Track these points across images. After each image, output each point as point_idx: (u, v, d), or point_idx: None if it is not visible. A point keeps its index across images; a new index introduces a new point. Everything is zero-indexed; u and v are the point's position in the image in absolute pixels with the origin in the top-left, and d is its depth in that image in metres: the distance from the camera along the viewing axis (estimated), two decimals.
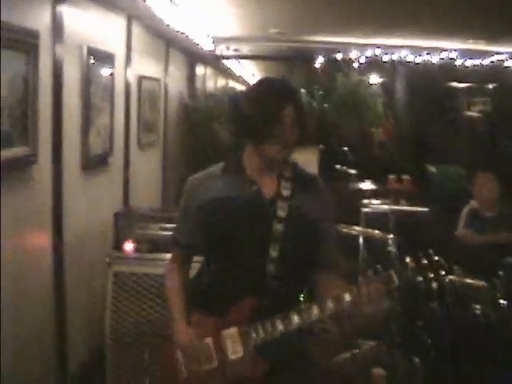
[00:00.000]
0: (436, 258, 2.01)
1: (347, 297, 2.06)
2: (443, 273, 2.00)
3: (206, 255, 2.46)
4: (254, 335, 2.18)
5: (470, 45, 7.85)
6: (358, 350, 4.92)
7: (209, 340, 2.25)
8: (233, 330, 2.21)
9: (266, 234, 2.24)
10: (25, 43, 3.17)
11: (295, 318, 2.12)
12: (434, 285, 2.00)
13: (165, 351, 2.47)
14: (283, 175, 2.33)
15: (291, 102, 2.21)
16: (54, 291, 3.80)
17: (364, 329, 2.08)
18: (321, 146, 10.05)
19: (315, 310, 2.11)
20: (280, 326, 2.14)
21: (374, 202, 6.79)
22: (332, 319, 3.08)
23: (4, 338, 3.10)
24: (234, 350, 2.20)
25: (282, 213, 2.25)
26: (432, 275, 2.00)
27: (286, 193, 2.30)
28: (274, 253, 2.22)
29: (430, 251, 2.02)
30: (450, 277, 4.21)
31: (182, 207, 2.48)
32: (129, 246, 4.18)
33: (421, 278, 2.01)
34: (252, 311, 2.20)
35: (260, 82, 2.38)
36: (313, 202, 2.32)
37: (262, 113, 2.19)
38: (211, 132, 7.51)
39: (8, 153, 3.03)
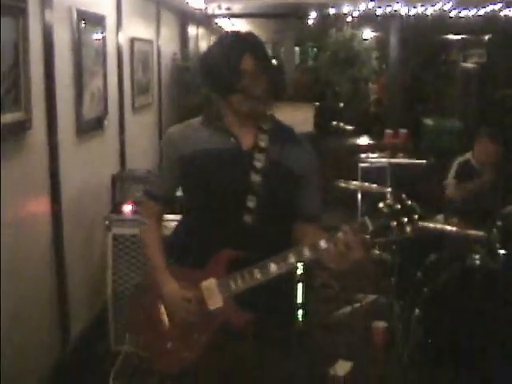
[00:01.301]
0: (409, 202, 2.01)
1: (323, 244, 2.06)
2: (416, 217, 2.00)
3: (184, 207, 2.46)
4: (232, 285, 2.20)
5: None
6: (358, 304, 4.99)
7: (190, 292, 2.27)
8: (211, 281, 2.22)
9: (243, 185, 2.24)
10: (13, 8, 3.12)
11: (272, 267, 2.12)
12: (408, 229, 2.00)
13: (145, 304, 2.47)
14: (261, 127, 2.33)
15: (249, 52, 2.19)
16: (53, 256, 3.81)
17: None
18: (316, 103, 10.03)
19: (292, 258, 2.12)
20: (258, 275, 2.14)
21: (372, 156, 6.81)
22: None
23: (5, 306, 3.13)
24: (214, 300, 2.22)
25: (259, 164, 2.26)
26: (406, 219, 1.99)
27: (263, 144, 2.30)
28: (251, 204, 2.24)
29: (403, 196, 2.02)
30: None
31: (161, 159, 2.48)
32: (128, 208, 4.19)
33: (395, 223, 2.00)
34: (230, 262, 2.21)
35: (221, 36, 2.37)
36: (290, 154, 2.32)
37: (222, 65, 2.18)
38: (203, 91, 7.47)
39: (2, 119, 3.02)
